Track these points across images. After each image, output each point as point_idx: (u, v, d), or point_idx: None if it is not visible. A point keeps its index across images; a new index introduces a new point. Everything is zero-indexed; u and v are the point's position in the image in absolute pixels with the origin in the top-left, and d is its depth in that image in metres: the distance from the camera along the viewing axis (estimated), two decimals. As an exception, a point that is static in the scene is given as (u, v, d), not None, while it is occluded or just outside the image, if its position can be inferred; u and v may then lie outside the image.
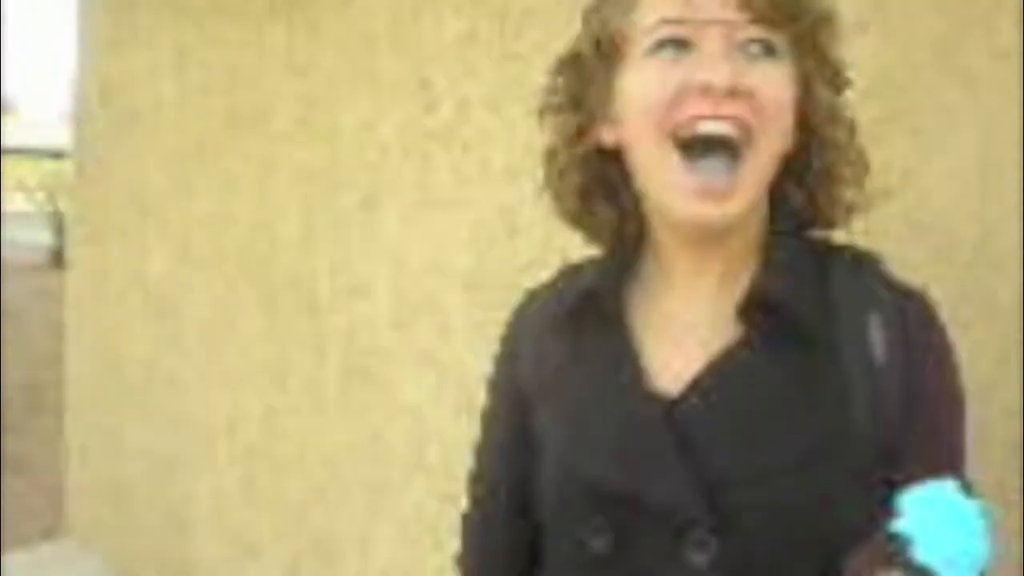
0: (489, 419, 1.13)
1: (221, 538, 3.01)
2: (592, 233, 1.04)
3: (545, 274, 1.13)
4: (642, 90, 0.90)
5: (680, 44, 0.89)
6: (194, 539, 3.12)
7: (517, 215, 2.01)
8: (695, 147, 0.88)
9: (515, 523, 1.08)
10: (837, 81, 0.97)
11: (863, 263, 0.97)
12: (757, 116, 0.88)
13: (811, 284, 0.93)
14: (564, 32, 1.04)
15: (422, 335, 2.26)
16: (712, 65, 0.87)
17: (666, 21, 0.89)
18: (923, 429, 0.89)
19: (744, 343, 0.93)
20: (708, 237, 0.94)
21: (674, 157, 0.89)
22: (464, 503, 1.16)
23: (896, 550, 0.76)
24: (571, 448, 0.97)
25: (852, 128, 0.97)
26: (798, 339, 0.91)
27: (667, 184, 0.90)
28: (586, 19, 0.99)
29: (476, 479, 1.14)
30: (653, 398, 0.94)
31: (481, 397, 1.16)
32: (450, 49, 2.17)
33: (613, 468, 0.93)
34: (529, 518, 1.04)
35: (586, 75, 0.97)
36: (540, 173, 1.04)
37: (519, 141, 2.00)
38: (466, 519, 1.16)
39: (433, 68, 2.21)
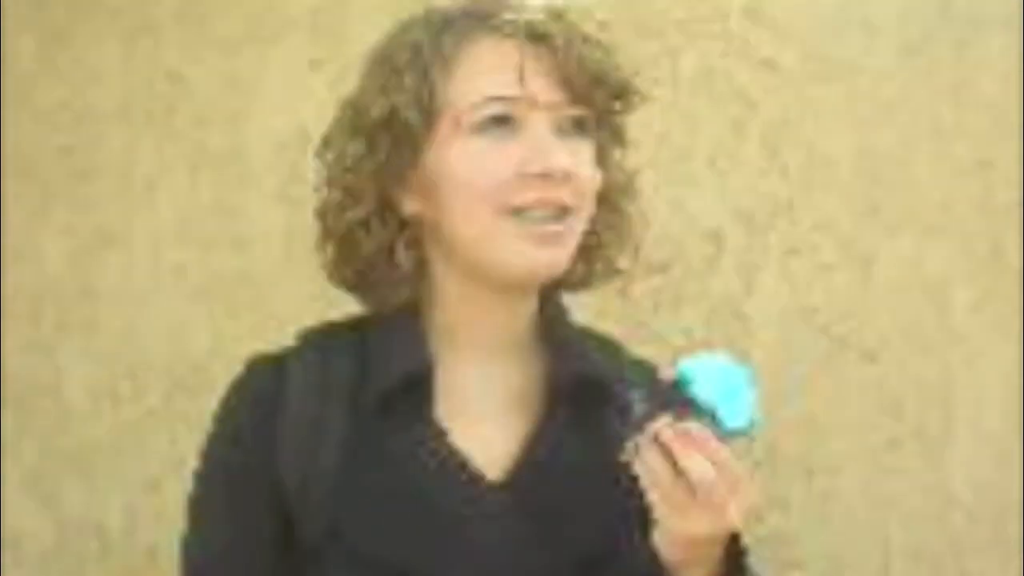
0: (225, 522, 0.95)
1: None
2: (375, 299, 0.97)
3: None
4: (472, 173, 0.89)
5: (505, 121, 0.89)
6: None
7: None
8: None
9: None
10: (625, 150, 0.98)
11: (611, 344, 1.03)
12: (576, 198, 0.90)
13: (604, 363, 0.98)
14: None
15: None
16: (546, 152, 0.88)
17: (492, 99, 0.88)
18: None
19: (553, 422, 0.94)
20: (517, 297, 0.94)
21: (509, 222, 0.89)
22: None
23: (676, 389, 0.83)
24: (405, 558, 0.90)
25: (635, 197, 1.00)
26: (603, 416, 0.92)
27: (499, 243, 0.89)
28: (391, 82, 0.91)
29: None
30: (490, 489, 0.91)
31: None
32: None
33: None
34: None
35: (400, 141, 0.91)
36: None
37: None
38: None
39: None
